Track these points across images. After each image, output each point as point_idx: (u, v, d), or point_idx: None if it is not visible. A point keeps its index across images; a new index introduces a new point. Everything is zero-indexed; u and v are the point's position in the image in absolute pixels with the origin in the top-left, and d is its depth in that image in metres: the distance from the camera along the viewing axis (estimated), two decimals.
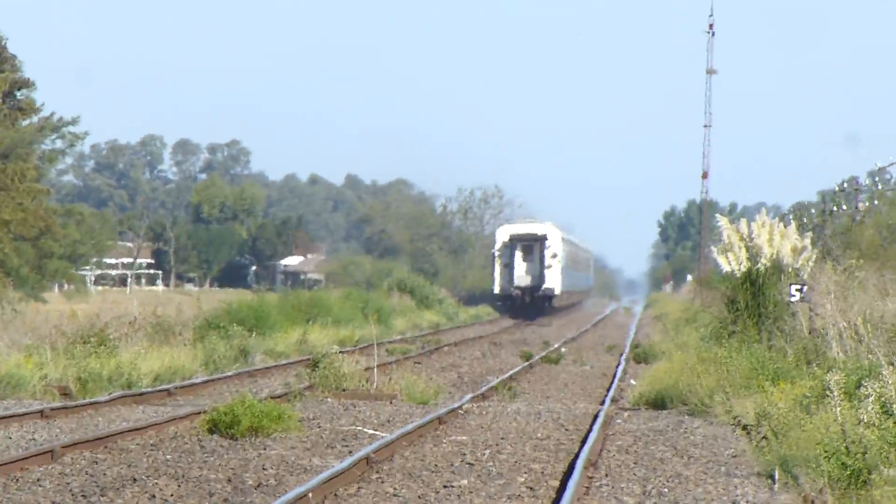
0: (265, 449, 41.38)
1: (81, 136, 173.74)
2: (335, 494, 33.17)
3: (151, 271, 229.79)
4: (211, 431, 44.33)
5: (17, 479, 34.72)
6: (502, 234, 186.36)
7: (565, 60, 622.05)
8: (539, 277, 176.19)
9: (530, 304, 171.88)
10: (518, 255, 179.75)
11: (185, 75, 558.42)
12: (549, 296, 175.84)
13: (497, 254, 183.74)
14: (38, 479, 34.75)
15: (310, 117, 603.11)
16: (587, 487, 34.44)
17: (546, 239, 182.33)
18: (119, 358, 67.08)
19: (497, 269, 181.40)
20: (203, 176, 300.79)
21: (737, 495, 34.52)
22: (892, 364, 40.83)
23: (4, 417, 47.47)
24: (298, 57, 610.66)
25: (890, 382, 37.90)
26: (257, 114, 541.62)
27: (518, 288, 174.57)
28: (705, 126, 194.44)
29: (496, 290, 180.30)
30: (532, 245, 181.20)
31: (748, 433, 47.07)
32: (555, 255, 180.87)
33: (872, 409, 36.39)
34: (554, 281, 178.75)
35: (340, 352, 72.52)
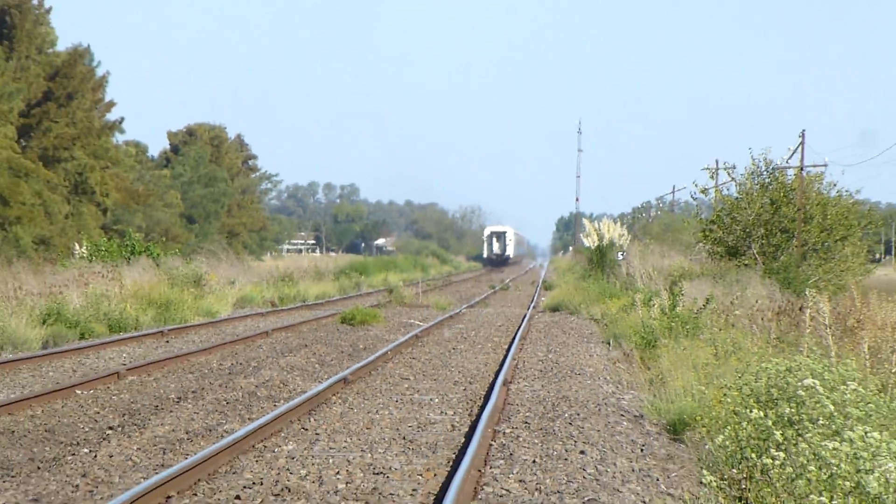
0: (367, 331, 41.30)
1: (279, 182, 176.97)
2: (401, 351, 33.22)
3: (314, 245, 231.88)
4: (342, 322, 44.24)
5: (250, 346, 34.77)
6: (487, 231, 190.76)
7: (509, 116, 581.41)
8: (503, 250, 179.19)
9: (499, 262, 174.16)
10: (494, 239, 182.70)
11: (330, 144, 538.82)
12: (508, 258, 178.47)
13: (485, 239, 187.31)
14: (260, 346, 34.78)
15: (396, 172, 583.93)
16: (521, 348, 34.51)
17: (506, 233, 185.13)
18: (298, 287, 67.02)
19: (485, 246, 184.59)
20: (338, 201, 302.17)
21: (593, 352, 34.46)
22: (666, 290, 40.82)
23: (247, 315, 47.41)
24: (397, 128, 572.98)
25: (664, 299, 37.96)
26: (367, 164, 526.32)
27: (493, 255, 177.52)
28: (577, 176, 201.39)
29: (484, 256, 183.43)
30: (501, 235, 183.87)
31: (597, 322, 47.06)
32: (510, 240, 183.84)
33: (656, 311, 36.48)
34: (510, 251, 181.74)
35: (403, 285, 72.98)
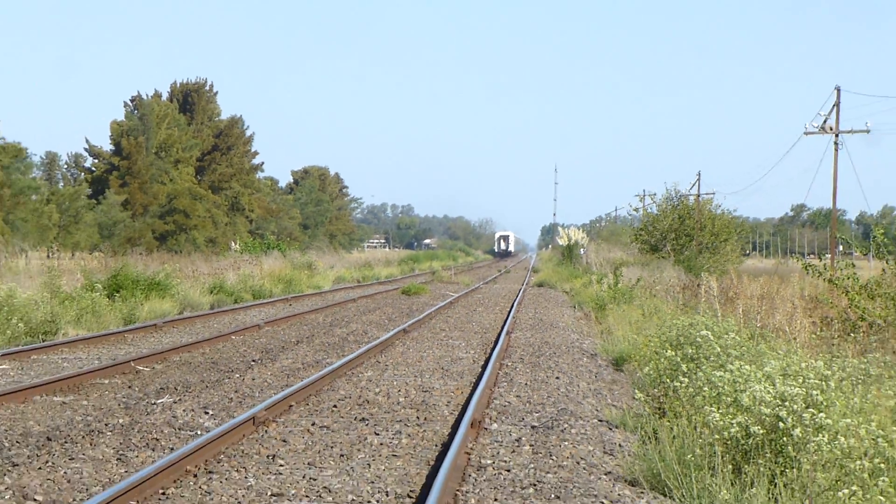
0: (418, 299, 41.11)
1: (361, 202, 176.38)
2: (440, 312, 33.05)
3: (384, 243, 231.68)
4: (402, 293, 43.95)
5: (343, 308, 34.69)
6: (497, 234, 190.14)
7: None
8: (507, 247, 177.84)
9: (504, 255, 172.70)
10: (501, 240, 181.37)
11: (395, 176, 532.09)
12: (510, 252, 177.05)
13: (495, 240, 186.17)
14: (349, 308, 34.67)
15: (439, 193, 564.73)
16: (518, 310, 34.38)
17: (509, 236, 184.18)
18: (374, 270, 66.86)
19: (495, 244, 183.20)
20: (399, 215, 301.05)
21: (564, 313, 34.27)
22: (611, 273, 40.62)
23: (341, 289, 47.31)
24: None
25: (614, 273, 37.70)
26: (418, 189, 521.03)
27: (500, 250, 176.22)
28: (554, 199, 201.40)
29: (495, 250, 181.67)
30: (506, 237, 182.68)
31: (567, 294, 46.81)
32: (511, 240, 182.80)
33: (605, 286, 36.26)
34: (511, 248, 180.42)
35: (442, 269, 72.63)
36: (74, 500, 9.10)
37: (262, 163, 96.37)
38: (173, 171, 77.70)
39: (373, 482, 9.92)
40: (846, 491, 7.61)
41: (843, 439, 8.54)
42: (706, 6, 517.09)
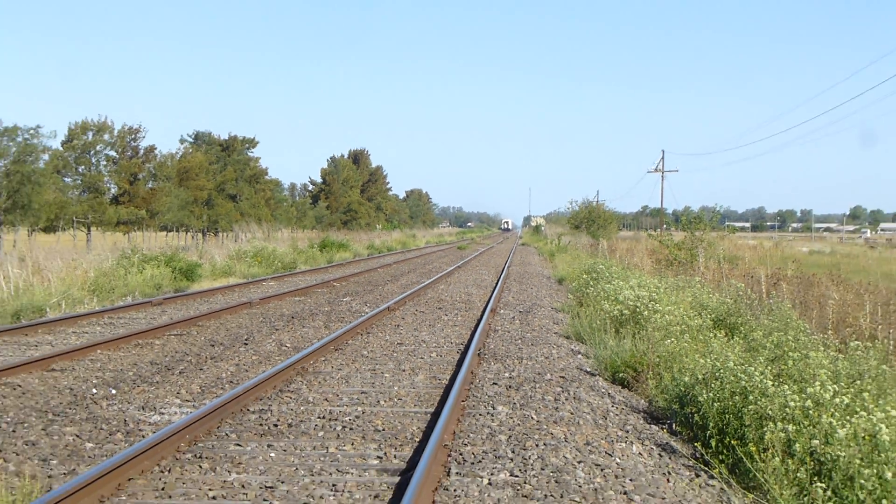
0: (464, 252, 40.64)
1: (437, 206, 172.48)
2: (475, 258, 32.43)
3: (448, 226, 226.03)
4: (457, 249, 43.59)
5: (430, 256, 34.21)
6: (503, 220, 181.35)
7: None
8: (508, 227, 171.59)
9: (506, 231, 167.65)
10: (505, 223, 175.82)
11: (453, 188, 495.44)
12: (510, 230, 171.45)
13: (502, 223, 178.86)
14: (433, 256, 34.17)
15: (475, 197, 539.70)
16: (513, 256, 34.03)
17: (509, 221, 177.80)
18: (444, 238, 66.02)
19: (502, 225, 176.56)
20: (456, 211, 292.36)
21: (534, 258, 33.70)
22: (557, 239, 39.96)
23: (428, 247, 46.77)
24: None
25: (558, 239, 37.10)
26: (464, 196, 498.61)
27: (505, 229, 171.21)
28: (528, 206, 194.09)
29: (502, 229, 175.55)
30: (507, 221, 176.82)
31: (537, 249, 46.18)
32: (511, 224, 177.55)
33: (554, 245, 35.75)
34: (510, 227, 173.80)
35: (476, 237, 71.83)
36: (304, 346, 9.25)
37: (391, 186, 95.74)
38: (349, 192, 77.92)
39: (445, 337, 9.97)
40: (669, 341, 7.56)
41: (667, 317, 8.47)
42: (600, 91, 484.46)
